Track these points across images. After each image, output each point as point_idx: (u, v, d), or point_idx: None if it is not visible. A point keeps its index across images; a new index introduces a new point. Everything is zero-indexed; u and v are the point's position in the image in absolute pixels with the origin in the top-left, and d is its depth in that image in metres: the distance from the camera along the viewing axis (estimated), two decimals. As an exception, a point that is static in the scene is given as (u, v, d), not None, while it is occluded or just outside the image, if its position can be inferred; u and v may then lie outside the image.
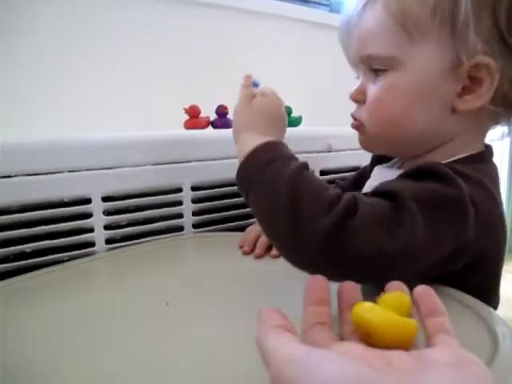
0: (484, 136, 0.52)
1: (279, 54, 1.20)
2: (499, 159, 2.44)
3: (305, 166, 0.44)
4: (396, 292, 0.28)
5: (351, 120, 0.55)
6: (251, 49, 1.15)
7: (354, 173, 0.76)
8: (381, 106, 0.49)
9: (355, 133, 0.56)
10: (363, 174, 0.69)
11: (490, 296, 0.49)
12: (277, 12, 1.19)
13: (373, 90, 0.50)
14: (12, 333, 0.40)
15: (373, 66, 0.50)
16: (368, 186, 0.58)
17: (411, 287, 0.29)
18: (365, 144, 0.55)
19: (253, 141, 0.47)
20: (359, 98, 0.52)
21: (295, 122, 0.92)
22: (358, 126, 0.53)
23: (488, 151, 0.52)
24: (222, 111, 0.82)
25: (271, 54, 1.19)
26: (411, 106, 0.48)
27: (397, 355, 0.22)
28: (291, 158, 0.45)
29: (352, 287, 0.29)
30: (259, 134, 0.49)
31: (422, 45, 0.46)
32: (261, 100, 0.55)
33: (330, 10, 1.40)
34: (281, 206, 0.40)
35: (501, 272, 0.50)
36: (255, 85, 0.69)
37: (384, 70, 0.49)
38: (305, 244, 0.39)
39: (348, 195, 0.40)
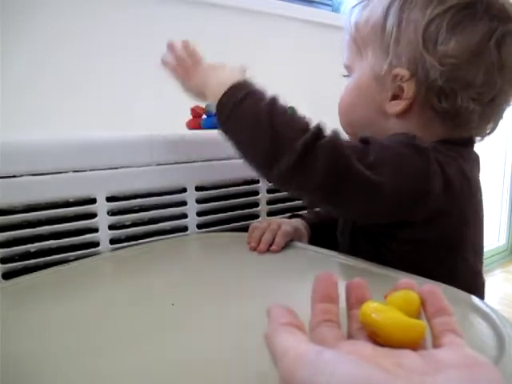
0: (432, 134, 0.55)
1: (281, 54, 1.20)
2: (501, 163, 2.44)
3: (276, 97, 0.54)
4: (405, 290, 0.28)
5: None
6: (253, 49, 1.15)
7: None
8: (340, 102, 0.63)
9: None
10: None
11: (452, 265, 0.55)
12: (279, 12, 1.19)
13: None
14: (16, 332, 0.40)
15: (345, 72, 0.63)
16: None
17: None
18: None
19: (223, 83, 0.54)
20: None
21: (299, 122, 0.92)
22: None
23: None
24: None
25: (273, 54, 1.19)
26: (353, 103, 0.60)
27: (406, 356, 0.22)
28: (263, 91, 0.55)
29: (361, 284, 0.29)
30: (224, 77, 0.56)
31: (364, 57, 0.58)
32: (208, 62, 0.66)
33: (333, 10, 1.40)
34: (262, 130, 0.49)
35: (472, 250, 0.57)
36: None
37: (348, 76, 0.62)
38: (284, 159, 0.47)
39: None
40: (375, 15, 0.56)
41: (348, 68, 0.62)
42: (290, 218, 0.72)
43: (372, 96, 0.57)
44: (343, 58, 0.63)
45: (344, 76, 0.64)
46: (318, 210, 0.75)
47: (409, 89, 0.53)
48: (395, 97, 0.55)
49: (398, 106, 0.55)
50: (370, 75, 0.57)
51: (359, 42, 0.58)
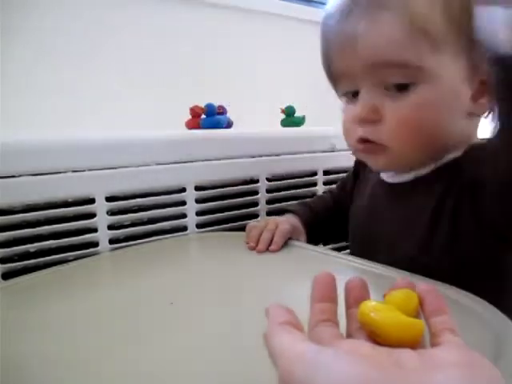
0: None
1: (282, 53, 1.20)
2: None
3: None
4: (404, 289, 0.28)
5: (356, 144, 0.51)
6: (253, 48, 1.15)
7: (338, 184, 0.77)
8: (414, 125, 0.46)
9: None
10: (346, 185, 0.72)
11: None
12: (279, 11, 1.19)
13: (397, 108, 0.46)
14: (16, 332, 0.40)
15: (390, 80, 0.46)
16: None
17: None
18: (386, 165, 0.53)
19: None
20: (374, 117, 0.48)
21: (298, 122, 0.92)
22: (376, 148, 0.49)
23: None
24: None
25: (274, 53, 1.19)
26: (442, 118, 0.47)
27: (405, 355, 0.21)
28: None
29: (360, 284, 0.29)
30: None
31: (445, 54, 0.45)
32: None
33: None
34: None
35: None
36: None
37: (406, 85, 0.46)
38: None
39: None
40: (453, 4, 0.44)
41: (415, 71, 0.45)
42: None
43: (460, 100, 0.47)
44: (393, 53, 0.45)
45: (399, 89, 0.46)
46: (309, 201, 0.74)
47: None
48: (476, 96, 0.47)
49: (489, 104, 0.47)
50: (460, 75, 0.46)
51: (434, 36, 0.44)
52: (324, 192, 0.81)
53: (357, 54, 0.47)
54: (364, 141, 0.50)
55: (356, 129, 0.50)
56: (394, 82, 0.46)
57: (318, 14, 1.30)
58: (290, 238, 0.63)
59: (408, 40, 0.44)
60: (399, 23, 0.44)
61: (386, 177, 0.58)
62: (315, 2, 1.38)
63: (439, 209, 0.50)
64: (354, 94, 0.50)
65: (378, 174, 0.60)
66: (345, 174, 0.76)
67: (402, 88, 0.46)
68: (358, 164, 0.70)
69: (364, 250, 0.59)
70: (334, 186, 0.78)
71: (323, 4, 1.40)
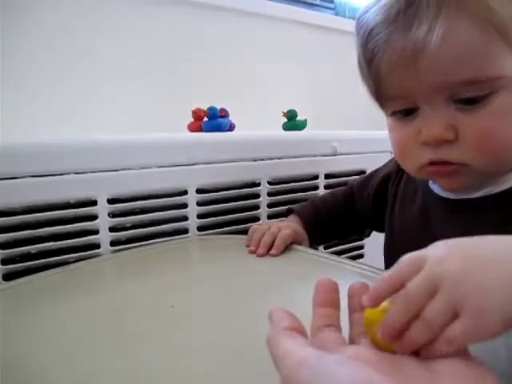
0: None
1: (284, 57, 1.21)
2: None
3: None
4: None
5: (425, 167, 0.44)
6: (256, 52, 1.15)
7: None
8: (499, 135, 0.41)
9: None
10: (365, 190, 0.66)
11: None
12: (282, 15, 1.19)
13: (476, 122, 0.40)
14: (17, 334, 0.40)
15: (464, 96, 0.40)
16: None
17: None
18: (464, 184, 0.45)
19: None
20: (452, 135, 0.41)
21: (300, 126, 0.92)
22: (455, 169, 0.43)
23: None
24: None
25: (276, 57, 1.19)
26: None
27: (407, 362, 0.22)
28: None
29: (363, 288, 0.29)
30: None
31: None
32: None
33: (336, 14, 1.41)
34: None
35: None
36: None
37: (480, 97, 0.40)
38: None
39: None
40: None
41: (495, 81, 0.39)
42: (286, 212, 0.71)
43: None
44: (473, 67, 0.38)
45: (471, 100, 0.40)
46: (317, 200, 0.72)
47: None
48: None
49: None
50: None
51: (510, 34, 0.38)
52: (339, 188, 0.75)
53: (425, 71, 0.39)
54: (434, 163, 0.43)
55: (421, 150, 0.44)
56: (469, 96, 0.40)
57: (321, 18, 1.31)
58: (291, 243, 0.62)
59: (488, 47, 0.38)
60: (478, 27, 0.37)
61: (446, 192, 0.50)
62: (318, 5, 1.39)
63: None
64: (408, 112, 0.44)
65: (427, 185, 0.53)
66: (346, 178, 0.75)
67: (476, 99, 0.40)
68: (389, 177, 0.62)
69: None
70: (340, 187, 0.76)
71: (326, 8, 1.41)
